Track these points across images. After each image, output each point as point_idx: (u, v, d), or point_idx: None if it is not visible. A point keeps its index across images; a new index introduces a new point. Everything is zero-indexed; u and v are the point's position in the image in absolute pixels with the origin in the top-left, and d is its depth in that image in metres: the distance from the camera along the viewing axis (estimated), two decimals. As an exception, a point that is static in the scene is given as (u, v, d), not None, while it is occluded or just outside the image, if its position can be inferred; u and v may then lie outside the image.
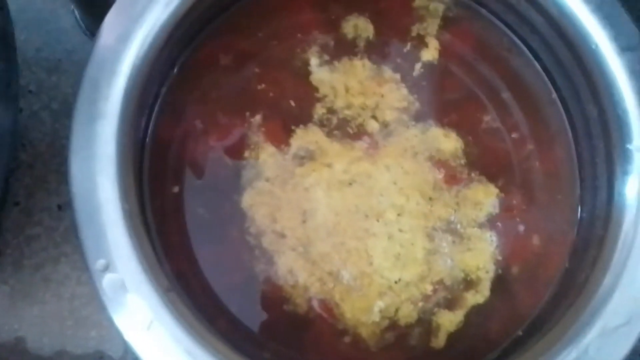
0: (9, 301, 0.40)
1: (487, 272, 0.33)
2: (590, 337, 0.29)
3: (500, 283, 0.33)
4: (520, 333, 0.33)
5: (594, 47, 0.32)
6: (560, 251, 0.34)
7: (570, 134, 0.36)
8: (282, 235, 0.32)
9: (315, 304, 0.32)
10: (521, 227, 0.34)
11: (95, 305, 0.40)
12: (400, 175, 0.34)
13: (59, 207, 0.42)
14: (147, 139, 0.33)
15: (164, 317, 0.27)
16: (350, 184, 0.33)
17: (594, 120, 0.34)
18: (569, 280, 0.33)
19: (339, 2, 0.37)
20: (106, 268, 0.27)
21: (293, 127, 0.34)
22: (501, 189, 0.34)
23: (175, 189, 0.33)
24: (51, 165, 0.42)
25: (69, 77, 0.44)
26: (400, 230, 0.33)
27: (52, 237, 0.41)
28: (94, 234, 0.27)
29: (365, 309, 0.32)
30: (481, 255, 0.33)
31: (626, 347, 0.29)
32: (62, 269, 0.41)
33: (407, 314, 0.32)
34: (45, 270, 0.41)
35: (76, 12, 0.44)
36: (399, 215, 0.33)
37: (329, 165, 0.34)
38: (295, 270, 0.32)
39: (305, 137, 0.34)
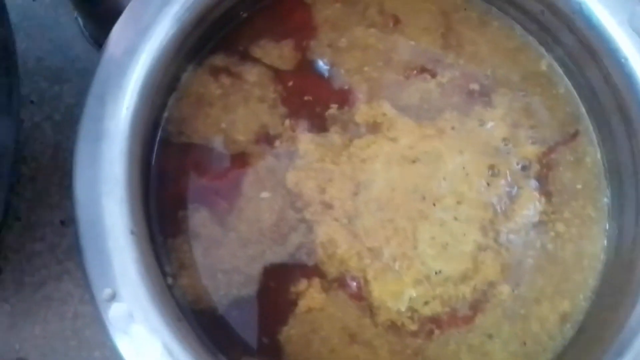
0: (10, 320, 0.39)
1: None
2: (621, 370, 0.28)
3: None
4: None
5: (623, 60, 0.31)
6: (589, 272, 0.33)
7: (598, 151, 0.34)
8: (329, 206, 0.32)
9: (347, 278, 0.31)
10: (554, 243, 0.33)
11: (99, 325, 0.39)
12: (472, 161, 0.33)
13: (62, 222, 0.40)
14: (154, 156, 0.32)
15: (173, 349, 0.25)
16: (413, 161, 0.33)
17: (621, 137, 0.33)
18: (599, 305, 0.32)
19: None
20: (112, 297, 0.25)
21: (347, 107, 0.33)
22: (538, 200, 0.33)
23: (188, 205, 0.32)
24: (54, 179, 0.41)
25: (71, 87, 0.42)
26: (456, 219, 0.32)
27: (55, 253, 0.40)
28: (100, 261, 0.26)
29: (396, 294, 0.31)
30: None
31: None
32: (65, 287, 0.39)
33: (430, 313, 0.31)
34: (47, 288, 0.39)
35: (79, 20, 0.43)
36: (458, 202, 0.32)
37: (394, 139, 0.33)
38: (336, 240, 0.31)
39: (370, 112, 0.33)
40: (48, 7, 0.43)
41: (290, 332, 0.31)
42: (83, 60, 0.43)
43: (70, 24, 0.43)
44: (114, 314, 0.25)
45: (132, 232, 0.26)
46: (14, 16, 0.33)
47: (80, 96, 0.42)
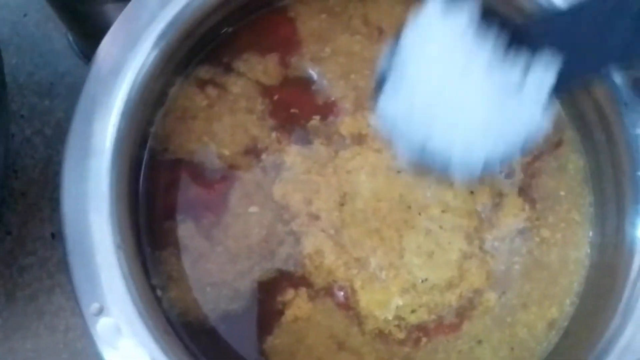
0: (2, 334, 0.39)
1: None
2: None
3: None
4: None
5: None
6: (575, 277, 0.33)
7: (581, 159, 0.35)
8: (316, 217, 0.32)
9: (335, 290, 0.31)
10: (539, 249, 0.33)
11: (89, 338, 0.39)
12: None
13: (53, 235, 0.40)
14: (142, 171, 0.32)
15: (161, 363, 0.26)
16: (398, 171, 0.33)
17: (602, 146, 0.33)
18: (582, 310, 0.32)
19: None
20: (100, 312, 0.26)
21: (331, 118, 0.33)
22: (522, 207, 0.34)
23: (176, 219, 0.32)
24: (44, 193, 0.41)
25: (61, 101, 0.43)
26: (441, 228, 0.32)
27: (46, 267, 0.40)
28: (87, 276, 0.26)
29: (383, 303, 0.32)
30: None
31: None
32: (57, 300, 0.40)
33: (417, 321, 0.32)
34: (38, 302, 0.39)
35: (69, 35, 0.43)
36: (443, 211, 0.33)
37: (378, 150, 0.33)
38: (323, 251, 0.32)
39: (355, 123, 0.34)
40: (39, 22, 0.44)
41: (275, 342, 0.31)
42: (73, 75, 0.43)
43: (60, 39, 0.44)
44: (102, 328, 0.25)
45: (119, 247, 0.27)
46: (4, 31, 0.33)
47: (70, 111, 0.43)
